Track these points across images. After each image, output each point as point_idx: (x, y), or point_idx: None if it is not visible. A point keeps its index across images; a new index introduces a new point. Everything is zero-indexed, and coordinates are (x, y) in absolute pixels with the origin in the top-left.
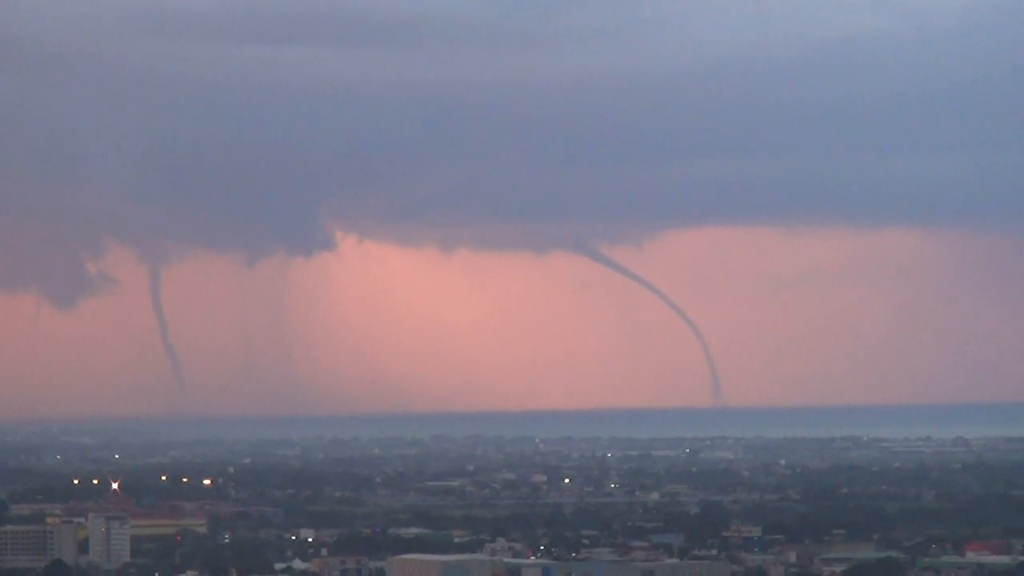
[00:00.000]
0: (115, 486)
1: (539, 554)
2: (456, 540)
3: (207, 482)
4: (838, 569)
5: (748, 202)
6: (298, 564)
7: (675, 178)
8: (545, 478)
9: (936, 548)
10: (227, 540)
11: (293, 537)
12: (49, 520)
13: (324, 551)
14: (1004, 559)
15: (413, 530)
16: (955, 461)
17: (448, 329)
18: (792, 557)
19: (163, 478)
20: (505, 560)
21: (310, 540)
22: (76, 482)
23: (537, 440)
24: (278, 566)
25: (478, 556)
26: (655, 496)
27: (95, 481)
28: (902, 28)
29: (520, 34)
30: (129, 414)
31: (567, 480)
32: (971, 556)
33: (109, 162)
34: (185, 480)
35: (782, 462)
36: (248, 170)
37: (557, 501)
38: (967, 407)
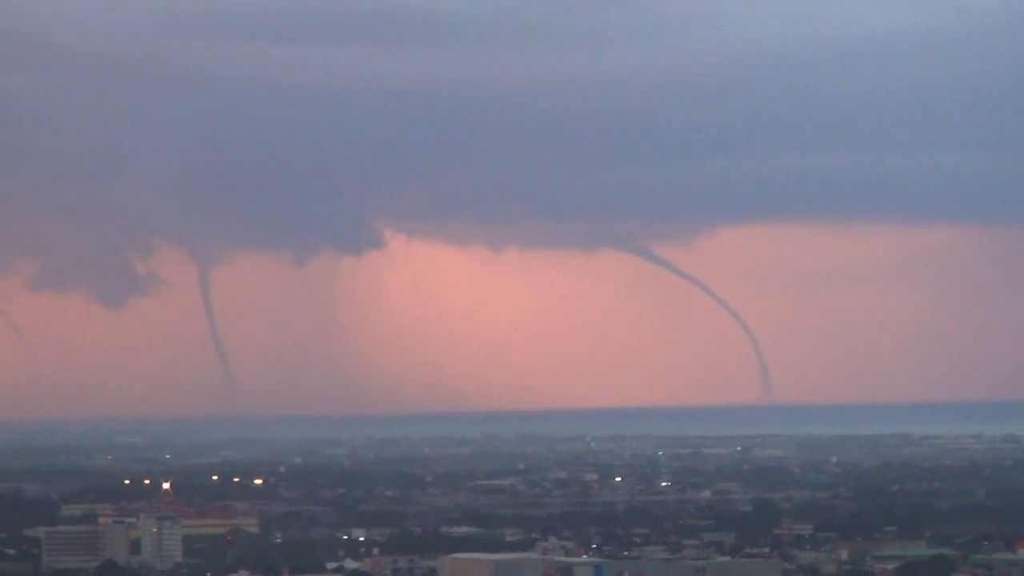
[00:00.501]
0: (166, 486)
1: (591, 552)
2: (508, 539)
3: (258, 482)
4: (890, 566)
5: (796, 199)
6: (350, 564)
7: (723, 175)
8: (596, 476)
9: (988, 545)
10: (278, 540)
11: (344, 537)
12: (101, 520)
13: (376, 550)
14: None
15: (464, 529)
16: (1006, 458)
17: (498, 328)
18: (844, 554)
19: (214, 478)
20: (557, 559)
21: (361, 539)
22: (127, 482)
23: (588, 438)
24: (330, 566)
25: (530, 555)
26: (706, 494)
27: (146, 481)
28: (950, 23)
29: (567, 31)
30: (180, 414)
31: (618, 478)
32: (1023, 552)
33: (157, 162)
34: (236, 480)
35: (833, 459)
36: (296, 169)
37: (608, 499)
38: (1018, 404)
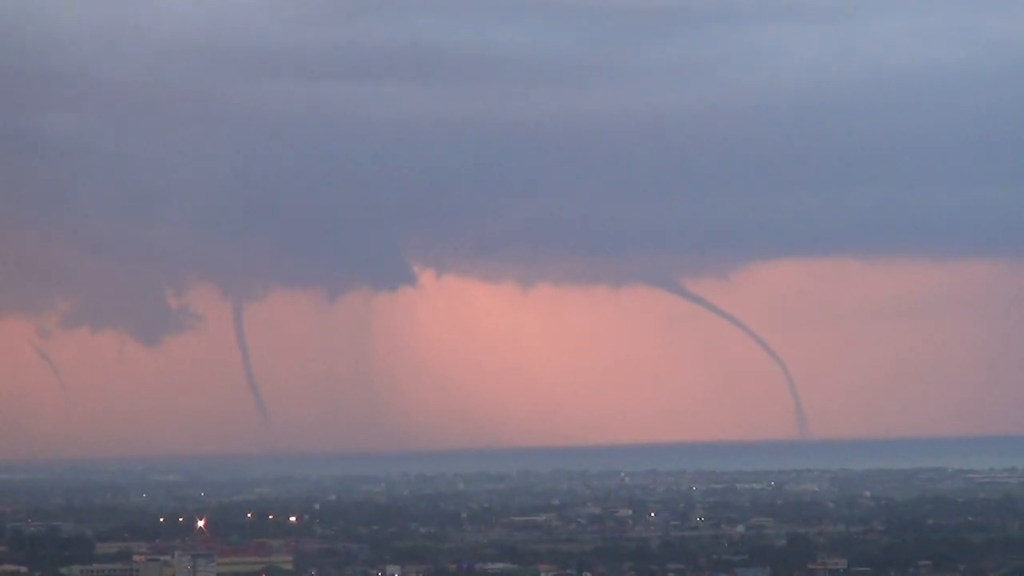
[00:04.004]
0: (201, 524)
1: None
2: (542, 575)
3: (293, 519)
4: None
5: (829, 234)
6: None
7: (757, 211)
8: (631, 512)
9: None
10: None
11: (379, 574)
12: (135, 558)
13: None
14: None
15: (499, 565)
16: None
17: (532, 364)
18: None
19: (249, 515)
20: None
21: None
22: (162, 520)
23: (622, 474)
24: None
25: None
26: (741, 529)
27: (181, 519)
28: (985, 59)
29: (601, 68)
30: (214, 451)
31: (652, 514)
32: None
33: (190, 200)
34: (271, 517)
35: (867, 494)
36: (328, 206)
37: (643, 535)
38: None
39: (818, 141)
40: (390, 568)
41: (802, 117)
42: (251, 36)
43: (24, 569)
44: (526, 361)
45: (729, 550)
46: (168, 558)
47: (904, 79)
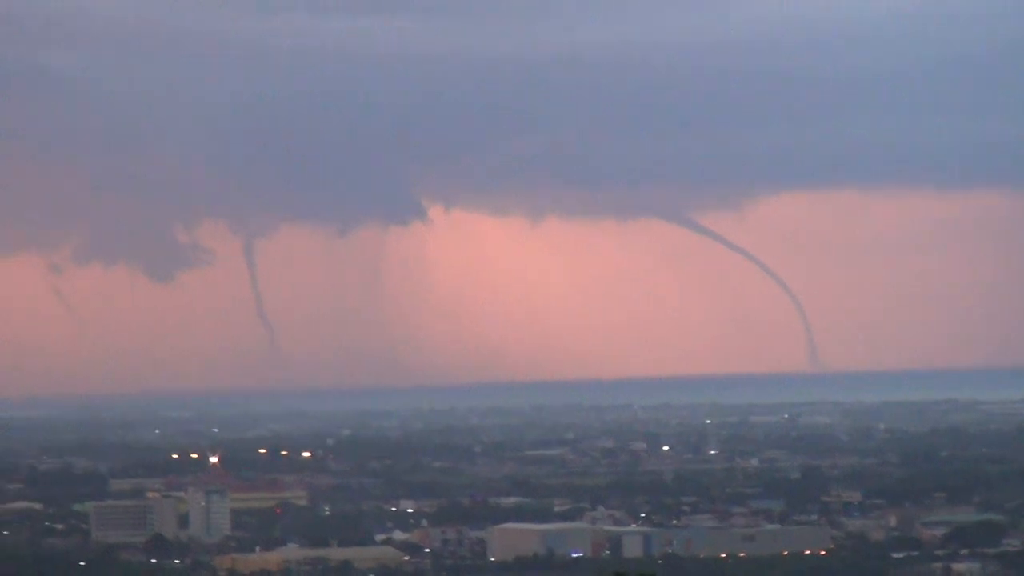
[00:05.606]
0: (214, 460)
1: (639, 521)
2: (556, 509)
3: (306, 454)
4: (939, 532)
5: (843, 166)
6: (398, 535)
7: (770, 143)
8: (644, 445)
9: None
10: (327, 512)
11: (393, 508)
12: (149, 495)
13: (424, 522)
14: None
15: (513, 499)
16: None
17: (544, 297)
18: (892, 521)
19: (262, 451)
20: (605, 528)
21: (410, 511)
22: (175, 456)
23: (636, 407)
24: (378, 537)
25: (579, 524)
26: (754, 462)
27: (194, 455)
28: None
29: (608, 1)
30: (227, 387)
31: (666, 447)
32: None
33: (202, 136)
34: (284, 453)
35: (881, 426)
36: (338, 140)
37: (656, 468)
38: None
39: (826, 74)
40: (404, 503)
41: (809, 51)
42: None
43: (39, 505)
44: (537, 294)
45: (743, 483)
46: (181, 494)
47: (906, 9)
